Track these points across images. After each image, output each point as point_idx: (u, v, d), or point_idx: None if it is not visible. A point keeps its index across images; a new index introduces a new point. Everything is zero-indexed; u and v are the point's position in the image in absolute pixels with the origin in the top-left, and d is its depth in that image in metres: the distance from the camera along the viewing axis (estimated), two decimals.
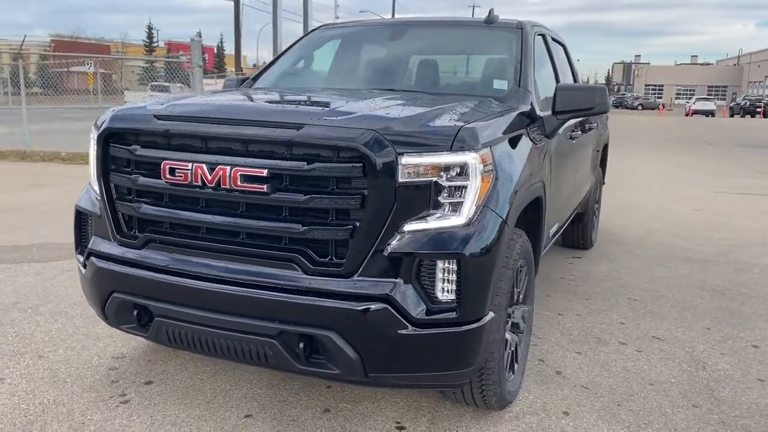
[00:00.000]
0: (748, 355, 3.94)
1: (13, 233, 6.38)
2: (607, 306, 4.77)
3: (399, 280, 2.48)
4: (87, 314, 4.08)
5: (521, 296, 3.24)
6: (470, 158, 2.53)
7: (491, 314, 2.66)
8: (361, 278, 2.48)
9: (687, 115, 53.12)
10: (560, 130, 3.91)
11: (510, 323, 3.13)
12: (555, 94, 3.62)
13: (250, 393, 3.23)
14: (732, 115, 54.13)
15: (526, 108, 3.48)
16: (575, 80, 5.37)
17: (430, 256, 2.48)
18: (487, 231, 2.59)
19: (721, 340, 4.17)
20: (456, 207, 2.54)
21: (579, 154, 4.78)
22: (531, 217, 3.41)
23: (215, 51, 79.21)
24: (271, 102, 3.06)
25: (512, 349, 3.16)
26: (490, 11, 4.18)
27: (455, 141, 2.52)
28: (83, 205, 3.11)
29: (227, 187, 2.54)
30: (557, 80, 4.50)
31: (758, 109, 53.12)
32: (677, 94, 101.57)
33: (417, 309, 2.48)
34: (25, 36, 18.14)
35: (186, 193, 2.66)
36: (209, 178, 2.55)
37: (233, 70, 39.43)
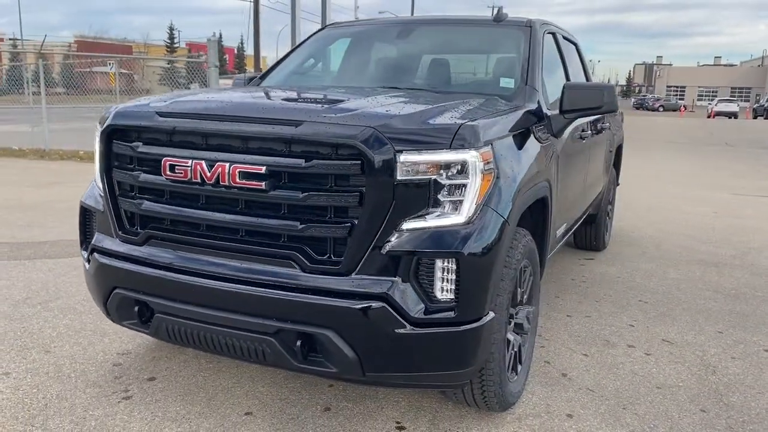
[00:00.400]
0: (760, 360, 3.86)
1: (29, 230, 6.46)
2: (617, 308, 4.70)
3: (397, 279, 2.46)
4: (95, 310, 4.10)
5: (525, 297, 3.20)
6: (470, 156, 2.51)
7: (491, 314, 2.63)
8: (359, 276, 2.47)
9: (709, 116, 52.40)
10: (569, 130, 3.86)
11: (513, 324, 3.10)
12: (562, 92, 3.57)
13: (251, 390, 3.23)
14: (755, 117, 53.26)
15: (532, 106, 3.44)
16: (588, 80, 5.31)
17: (429, 254, 2.46)
18: (487, 230, 2.56)
19: (732, 344, 4.09)
20: (456, 205, 2.52)
21: (590, 154, 4.72)
22: (536, 216, 3.37)
23: (236, 52, 79.71)
24: (271, 99, 3.06)
25: (515, 349, 3.12)
26: (499, 9, 4.15)
27: (455, 138, 2.49)
28: (88, 201, 3.13)
29: (226, 184, 2.53)
30: (567, 79, 4.45)
31: None
32: (699, 95, 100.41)
33: (415, 308, 2.46)
34: (46, 36, 18.39)
35: (186, 190, 2.66)
36: (208, 175, 2.55)
37: (252, 70, 39.66)
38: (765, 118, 51.02)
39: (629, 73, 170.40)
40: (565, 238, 4.72)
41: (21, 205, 7.67)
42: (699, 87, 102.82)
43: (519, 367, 3.20)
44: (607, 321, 4.43)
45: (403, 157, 2.42)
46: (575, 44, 5.28)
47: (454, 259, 2.47)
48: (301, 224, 2.48)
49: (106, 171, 2.88)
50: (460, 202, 2.52)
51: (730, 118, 50.53)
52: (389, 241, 2.45)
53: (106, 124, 2.87)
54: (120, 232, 2.88)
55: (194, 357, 3.56)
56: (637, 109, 73.07)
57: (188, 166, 2.59)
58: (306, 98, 3.17)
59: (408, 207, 2.47)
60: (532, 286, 3.28)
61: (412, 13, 52.53)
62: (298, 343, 2.52)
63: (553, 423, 3.04)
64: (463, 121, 2.58)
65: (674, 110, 66.88)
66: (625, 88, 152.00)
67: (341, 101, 2.87)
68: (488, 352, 2.70)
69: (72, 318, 4.09)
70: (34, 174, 10.57)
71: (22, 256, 5.45)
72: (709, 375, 3.62)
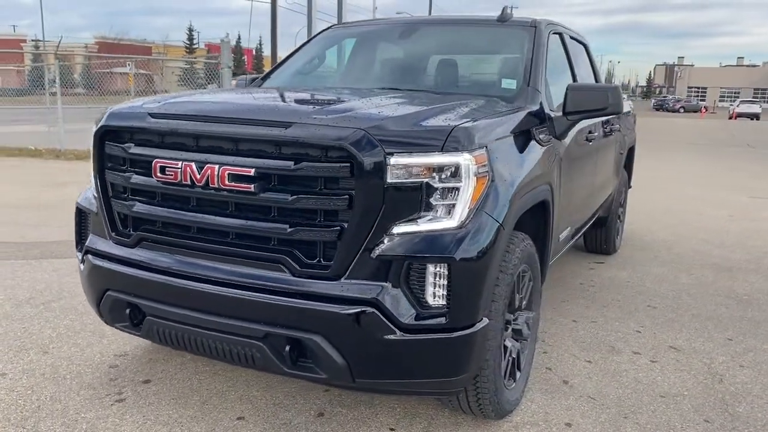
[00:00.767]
0: None
1: (39, 229, 6.50)
2: (624, 313, 4.61)
3: (387, 284, 2.41)
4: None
5: (524, 302, 3.13)
6: (463, 159, 2.45)
7: (486, 321, 2.57)
8: (348, 281, 2.42)
9: (730, 118, 51.66)
10: (573, 132, 3.78)
11: (511, 330, 3.04)
12: (566, 93, 3.50)
13: (246, 395, 3.19)
14: None
15: (534, 108, 3.37)
16: (597, 81, 5.22)
17: (420, 259, 2.40)
18: (480, 234, 2.50)
19: (742, 352, 3.99)
20: (448, 209, 2.46)
21: (597, 156, 4.63)
22: (537, 220, 3.31)
23: (254, 53, 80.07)
24: (263, 100, 3.02)
25: (513, 356, 3.05)
26: (504, 9, 4.08)
27: (447, 141, 2.44)
28: (83, 202, 3.12)
29: (216, 186, 2.50)
30: (574, 80, 4.37)
31: None
32: (721, 96, 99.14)
33: (406, 314, 2.41)
34: (62, 37, 18.51)
35: (176, 192, 2.63)
36: (198, 177, 2.52)
37: None
38: None
39: (649, 74, 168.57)
40: (572, 241, 4.64)
41: (32, 204, 7.72)
42: (721, 88, 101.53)
43: (517, 374, 3.13)
44: (613, 327, 4.34)
45: (393, 160, 2.37)
46: (585, 45, 5.20)
47: (445, 264, 2.41)
48: (290, 227, 2.44)
49: (100, 172, 2.87)
50: (453, 206, 2.46)
51: (752, 119, 49.79)
52: (379, 246, 2.41)
53: (99, 125, 2.85)
54: (113, 234, 2.86)
55: (191, 360, 3.53)
56: (657, 110, 72.30)
57: (178, 168, 2.57)
58: (299, 100, 3.13)
59: (399, 210, 2.42)
60: (532, 291, 3.21)
61: (430, 13, 52.43)
62: (287, 348, 2.48)
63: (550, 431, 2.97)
64: (457, 124, 2.53)
65: (695, 111, 66.05)
66: (645, 89, 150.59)
67: (333, 103, 2.83)
68: (483, 359, 2.64)
69: (73, 318, 4.09)
70: (48, 173, 10.66)
71: (29, 256, 5.48)
72: (715, 384, 3.53)
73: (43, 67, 14.97)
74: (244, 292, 2.52)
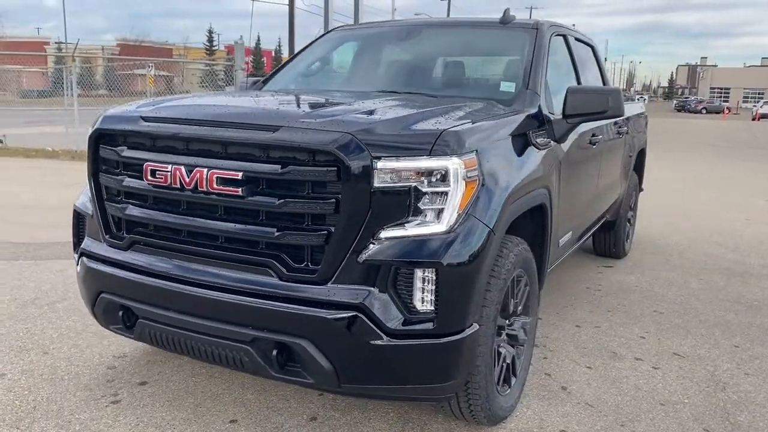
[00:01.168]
0: None
1: (48, 230, 6.56)
2: (629, 319, 4.55)
3: (374, 289, 2.40)
4: None
5: (520, 308, 3.10)
6: (452, 163, 2.43)
7: (476, 326, 2.54)
8: (335, 285, 2.41)
9: (753, 119, 50.88)
10: (575, 135, 3.74)
11: (506, 335, 3.01)
12: (565, 97, 3.46)
13: (240, 397, 3.19)
14: None
15: (532, 111, 3.34)
16: (604, 83, 5.16)
17: (407, 264, 2.39)
18: (469, 239, 2.47)
19: (748, 360, 3.91)
20: (437, 214, 2.44)
21: (602, 159, 4.57)
22: (535, 224, 3.27)
23: (273, 54, 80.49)
24: (255, 104, 3.01)
25: (507, 362, 3.02)
26: (506, 11, 4.05)
27: (435, 145, 2.42)
28: (80, 205, 3.14)
29: (204, 189, 2.50)
30: (578, 83, 4.32)
31: None
32: (745, 97, 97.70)
33: (393, 319, 2.39)
34: (79, 40, 18.77)
35: (166, 196, 2.64)
36: (187, 180, 2.53)
37: None
38: None
39: (671, 75, 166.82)
40: (576, 246, 4.58)
41: (44, 205, 7.81)
42: (744, 89, 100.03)
43: (513, 380, 3.10)
44: (617, 332, 4.28)
45: (381, 164, 2.36)
46: (592, 46, 5.15)
47: (433, 269, 2.39)
48: (277, 231, 2.44)
49: (94, 175, 2.88)
50: (442, 210, 2.44)
51: None
52: (367, 250, 2.39)
53: (93, 129, 2.87)
54: (107, 237, 2.88)
55: (188, 362, 3.55)
56: (679, 111, 71.48)
57: (168, 171, 2.57)
58: (290, 103, 3.13)
59: (387, 215, 2.41)
60: (529, 296, 3.18)
61: (449, 15, 52.35)
62: (274, 352, 2.47)
63: None
64: (446, 128, 2.51)
65: (717, 113, 65.17)
66: (667, 90, 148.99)
67: (324, 106, 2.82)
68: (473, 365, 2.61)
69: (75, 320, 4.12)
70: (63, 174, 10.78)
71: (37, 257, 5.54)
72: (718, 392, 3.46)
73: (63, 69, 15.17)
74: (232, 295, 2.51)
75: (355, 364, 2.45)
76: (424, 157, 2.41)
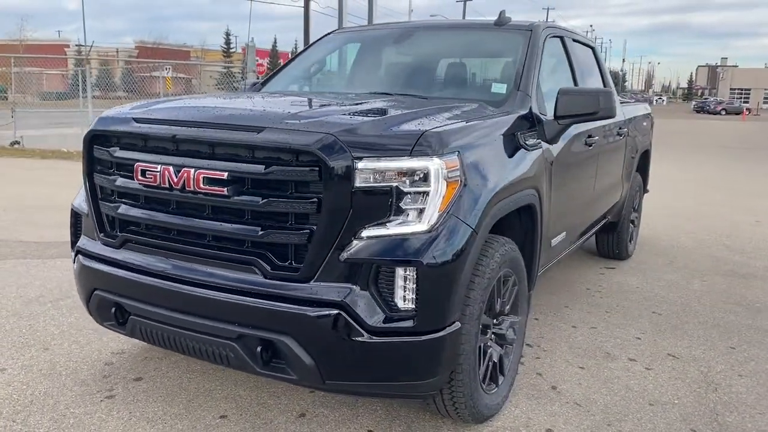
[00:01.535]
0: None
1: (58, 230, 6.66)
2: (627, 320, 4.55)
3: (355, 287, 2.44)
4: None
5: (508, 307, 3.13)
6: (433, 164, 2.47)
7: (457, 324, 2.58)
8: (317, 283, 2.46)
9: None
10: (568, 136, 3.76)
11: (492, 334, 3.04)
12: (557, 98, 3.48)
13: (232, 394, 3.25)
14: None
15: (522, 112, 3.37)
16: (605, 84, 5.16)
17: (387, 263, 2.43)
18: (450, 239, 2.51)
19: (743, 361, 3.90)
20: (418, 213, 2.48)
21: (601, 160, 4.58)
22: (525, 224, 3.30)
23: (289, 56, 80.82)
24: (243, 105, 3.07)
25: (494, 360, 3.05)
26: (501, 13, 4.08)
27: (416, 146, 2.46)
28: (77, 205, 3.22)
29: (192, 189, 2.56)
30: (575, 84, 4.34)
31: None
32: (765, 98, 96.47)
33: (373, 316, 2.44)
34: (93, 42, 19.07)
35: (156, 195, 2.71)
36: (175, 180, 2.59)
37: None
38: None
39: (691, 76, 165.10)
40: (574, 246, 4.59)
41: (54, 205, 7.93)
42: (765, 89, 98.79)
43: (500, 379, 3.12)
44: (613, 333, 4.29)
45: (362, 164, 2.40)
46: (592, 48, 5.15)
47: (413, 268, 2.43)
48: (261, 230, 2.49)
49: (89, 175, 2.96)
50: (423, 210, 2.48)
51: None
52: (348, 249, 2.44)
53: (88, 130, 2.94)
54: (101, 235, 2.95)
55: (184, 359, 3.61)
56: (698, 112, 70.72)
57: (157, 171, 2.64)
58: (278, 104, 3.18)
59: (368, 214, 2.45)
60: (518, 295, 3.20)
61: (464, 16, 52.32)
62: (259, 348, 2.52)
63: None
64: (427, 129, 2.55)
65: (737, 114, 64.47)
66: (686, 91, 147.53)
67: (310, 107, 2.87)
68: (455, 362, 2.64)
69: (77, 317, 4.20)
70: (75, 175, 10.85)
71: (44, 255, 5.65)
72: (709, 393, 3.46)
73: (82, 71, 15.39)
74: (218, 293, 2.57)
75: (337, 361, 2.50)
76: (405, 157, 2.45)
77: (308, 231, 2.45)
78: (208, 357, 2.69)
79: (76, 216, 3.25)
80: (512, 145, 3.10)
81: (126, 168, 2.79)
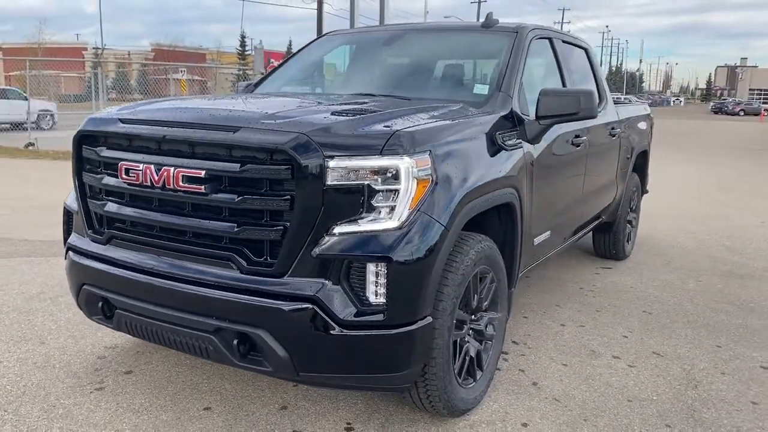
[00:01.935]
0: (752, 376, 3.70)
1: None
2: (616, 319, 4.59)
3: (328, 282, 2.52)
4: None
5: (486, 303, 3.19)
6: (402, 162, 2.54)
7: (429, 319, 2.65)
8: (291, 278, 2.54)
9: None
10: (552, 136, 3.80)
11: (469, 330, 3.10)
12: (538, 99, 3.54)
13: (218, 387, 3.34)
14: None
15: (503, 113, 3.43)
16: (597, 85, 5.19)
17: (358, 258, 2.51)
18: (420, 235, 2.58)
19: (728, 359, 3.93)
20: (389, 211, 2.55)
21: (591, 160, 4.61)
22: (505, 223, 3.36)
23: None
24: (226, 106, 3.15)
25: (471, 355, 3.11)
26: (488, 15, 4.14)
27: (387, 145, 2.53)
28: (69, 203, 3.33)
29: (171, 187, 2.66)
30: (563, 85, 4.38)
31: None
32: None
33: (345, 310, 2.51)
34: (105, 45, 19.31)
35: (139, 193, 2.80)
36: (156, 178, 2.68)
37: None
38: None
39: (710, 76, 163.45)
40: (563, 246, 4.64)
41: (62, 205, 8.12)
42: None
43: (479, 374, 3.18)
44: (600, 331, 4.33)
45: (333, 163, 2.48)
46: (585, 49, 5.20)
47: (384, 263, 2.50)
48: (237, 227, 2.57)
49: (78, 174, 3.07)
50: (394, 207, 2.55)
51: None
52: (320, 245, 2.52)
53: (77, 130, 3.05)
54: (89, 232, 3.06)
55: (174, 353, 3.71)
56: (716, 113, 70.05)
57: (140, 170, 2.73)
58: (257, 105, 3.26)
59: (340, 211, 2.53)
60: (497, 292, 3.26)
61: (478, 18, 52.24)
62: (236, 341, 2.61)
63: (506, 431, 3.01)
64: (398, 128, 2.62)
65: (756, 114, 63.75)
66: (704, 92, 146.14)
67: (289, 108, 2.95)
68: (427, 356, 2.71)
69: (75, 312, 4.29)
70: None
71: (48, 254, 5.79)
72: (689, 390, 3.50)
73: (95, 74, 15.63)
74: (198, 288, 2.66)
75: (310, 354, 2.58)
76: (376, 156, 2.52)
77: (282, 228, 2.53)
78: (189, 349, 2.79)
79: (68, 214, 3.36)
80: (490, 145, 3.16)
81: (112, 167, 2.89)
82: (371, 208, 2.55)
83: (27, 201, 8.57)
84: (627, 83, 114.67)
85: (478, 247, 2.97)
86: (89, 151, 2.99)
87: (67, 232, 3.36)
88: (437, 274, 2.66)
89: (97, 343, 3.85)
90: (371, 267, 2.51)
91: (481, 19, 4.28)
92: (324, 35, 4.77)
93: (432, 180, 2.66)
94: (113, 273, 2.90)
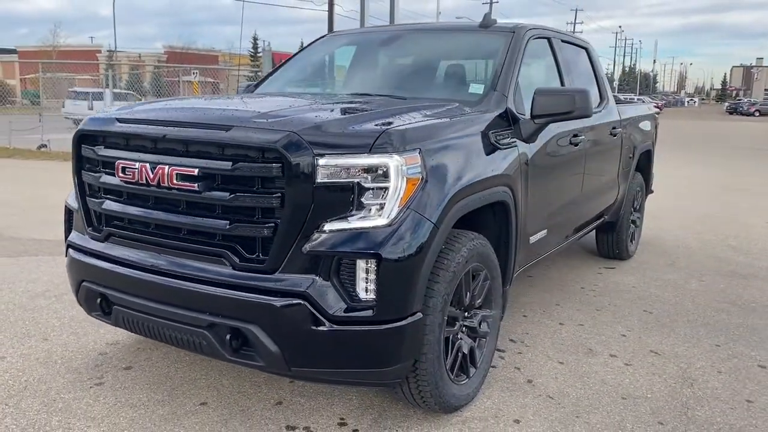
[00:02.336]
0: (748, 375, 3.69)
1: None
2: (615, 318, 4.59)
3: (318, 278, 2.56)
4: None
5: (479, 301, 3.21)
6: (392, 160, 2.58)
7: (419, 315, 2.68)
8: (282, 275, 2.58)
9: None
10: (548, 135, 3.82)
11: (462, 326, 3.12)
12: (533, 98, 3.56)
13: (215, 383, 3.39)
14: None
15: (498, 112, 3.45)
16: (599, 85, 5.20)
17: (348, 255, 2.54)
18: (410, 232, 2.61)
19: (726, 358, 3.93)
20: (379, 208, 2.59)
21: (589, 159, 4.62)
22: (500, 221, 3.38)
23: None
24: (218, 106, 3.20)
25: (464, 351, 3.13)
26: (485, 15, 4.17)
27: (376, 143, 2.57)
28: (70, 202, 3.40)
29: (166, 185, 2.71)
30: (562, 84, 4.40)
31: None
32: None
33: (335, 306, 2.55)
34: (116, 48, 19.55)
35: (135, 191, 2.86)
36: (151, 176, 2.73)
37: None
38: None
39: (725, 76, 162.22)
40: (562, 245, 4.65)
41: None
42: None
43: (472, 371, 3.21)
44: (599, 330, 4.34)
45: (323, 161, 2.52)
46: (586, 49, 5.21)
47: (373, 260, 2.54)
48: (229, 224, 2.62)
49: (77, 173, 3.13)
50: (384, 205, 2.59)
51: None
52: (311, 241, 2.55)
53: (77, 130, 3.11)
54: (89, 230, 3.12)
55: (174, 349, 3.76)
56: (731, 113, 69.47)
57: (136, 168, 2.79)
58: (251, 104, 3.30)
59: (331, 209, 2.57)
60: (490, 290, 3.28)
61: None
62: (228, 336, 2.65)
63: (498, 427, 3.04)
64: (388, 127, 2.66)
65: None
66: (719, 92, 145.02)
67: (282, 107, 2.99)
68: (417, 351, 2.74)
69: (79, 310, 4.30)
70: None
71: (55, 253, 5.87)
72: (684, 388, 3.50)
73: (103, 76, 15.81)
74: (191, 284, 2.71)
75: (301, 349, 2.62)
76: (365, 154, 2.56)
77: (273, 225, 2.57)
78: (184, 345, 2.84)
79: (68, 212, 3.42)
80: (483, 144, 3.19)
81: (109, 165, 2.95)
82: (361, 206, 2.58)
83: (37, 201, 8.69)
84: (641, 84, 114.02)
85: (470, 244, 2.99)
86: (88, 150, 3.05)
87: (67, 230, 3.42)
88: (427, 271, 2.69)
89: (99, 339, 3.92)
90: (361, 263, 2.55)
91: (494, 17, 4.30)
92: (322, 37, 4.82)
93: (422, 178, 2.69)
94: (111, 270, 2.96)
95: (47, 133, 16.36)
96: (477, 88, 3.68)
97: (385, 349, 2.64)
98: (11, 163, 13.73)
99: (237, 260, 2.64)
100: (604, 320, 4.54)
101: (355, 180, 2.56)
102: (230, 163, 2.58)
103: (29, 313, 4.34)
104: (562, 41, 4.64)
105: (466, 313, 3.15)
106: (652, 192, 7.00)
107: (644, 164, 6.40)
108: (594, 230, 5.73)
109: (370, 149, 2.56)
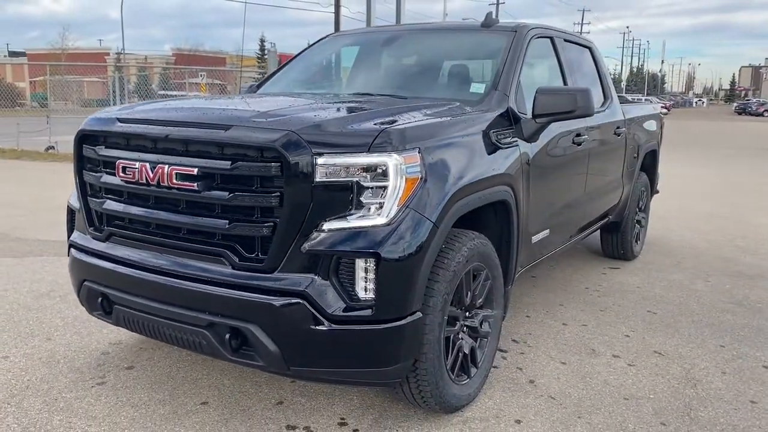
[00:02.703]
0: (753, 376, 3.67)
1: None
2: (619, 318, 4.57)
3: (317, 277, 2.55)
4: None
5: (480, 300, 3.20)
6: (391, 159, 2.57)
7: (419, 314, 2.67)
8: (281, 274, 2.58)
9: None
10: (550, 134, 3.81)
11: (462, 326, 3.11)
12: (534, 97, 3.55)
13: (216, 382, 3.39)
14: None
15: (499, 111, 3.44)
16: (602, 84, 5.18)
17: (347, 254, 2.54)
18: (409, 232, 2.60)
19: (730, 359, 3.90)
20: (378, 207, 2.58)
21: (593, 159, 4.60)
22: (501, 221, 3.37)
23: None
24: (218, 105, 3.20)
25: (465, 351, 3.12)
26: (488, 15, 4.16)
27: (374, 142, 2.56)
28: (72, 202, 3.41)
29: (166, 185, 2.71)
30: (564, 83, 4.38)
31: None
32: None
33: (334, 306, 2.54)
34: (123, 51, 19.62)
35: (135, 191, 2.86)
36: (151, 176, 2.74)
37: None
38: None
39: (733, 76, 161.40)
40: (566, 245, 4.63)
41: None
42: None
43: (473, 371, 3.20)
44: (602, 331, 4.32)
45: (321, 160, 2.52)
46: (590, 48, 5.19)
47: (372, 259, 2.53)
48: (228, 223, 2.62)
49: (79, 173, 3.14)
50: (383, 204, 2.58)
51: None
52: (310, 241, 2.55)
53: (78, 130, 3.12)
54: (90, 229, 3.13)
55: (176, 349, 3.77)
56: (739, 114, 69.05)
57: (136, 168, 2.79)
58: (250, 104, 3.31)
59: (330, 208, 2.56)
60: (492, 290, 3.27)
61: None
62: (228, 336, 2.65)
63: (499, 428, 3.02)
64: (387, 126, 2.65)
65: None
66: (728, 92, 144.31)
67: (282, 107, 3.00)
68: (417, 351, 2.73)
69: (82, 310, 4.33)
70: None
71: (60, 253, 5.89)
72: (687, 389, 3.48)
73: (110, 79, 15.89)
74: (191, 283, 2.71)
75: (300, 348, 2.61)
76: (364, 153, 2.56)
77: (272, 224, 2.57)
78: (184, 344, 2.84)
79: (71, 212, 3.43)
80: (484, 143, 3.18)
81: (110, 165, 2.95)
82: (360, 205, 2.58)
83: (44, 202, 8.73)
84: (649, 84, 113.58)
85: (471, 244, 2.99)
86: (89, 150, 3.06)
87: (70, 230, 3.43)
88: (426, 270, 2.68)
89: (101, 339, 3.93)
90: (360, 263, 2.54)
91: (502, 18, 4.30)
92: (325, 37, 4.83)
93: (421, 177, 2.68)
94: (111, 269, 2.96)
95: (55, 135, 16.44)
96: (478, 88, 3.68)
97: (385, 349, 2.64)
98: (19, 165, 13.82)
99: (236, 260, 2.64)
100: (607, 321, 4.52)
101: (354, 179, 2.55)
102: (229, 163, 2.58)
103: (33, 313, 4.36)
104: (565, 41, 4.62)
105: (467, 313, 3.15)
106: (657, 192, 6.96)
107: (649, 164, 6.37)
108: (598, 230, 5.71)
109: (369, 148, 2.56)
